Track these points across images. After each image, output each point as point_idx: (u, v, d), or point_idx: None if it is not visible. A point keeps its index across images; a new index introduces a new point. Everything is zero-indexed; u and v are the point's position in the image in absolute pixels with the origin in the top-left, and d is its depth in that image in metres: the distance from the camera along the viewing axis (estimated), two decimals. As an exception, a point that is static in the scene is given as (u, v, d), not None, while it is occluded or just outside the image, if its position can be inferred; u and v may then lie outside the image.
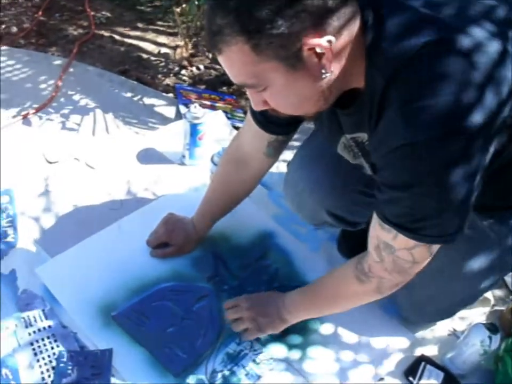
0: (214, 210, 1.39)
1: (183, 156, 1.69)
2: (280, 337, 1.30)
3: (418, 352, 1.35)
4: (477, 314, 1.45)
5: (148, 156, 1.72)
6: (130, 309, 1.29)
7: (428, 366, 1.31)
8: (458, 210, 0.89)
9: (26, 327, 1.24)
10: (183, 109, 1.88)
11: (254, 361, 1.26)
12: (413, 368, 1.31)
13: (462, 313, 1.41)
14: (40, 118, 1.82)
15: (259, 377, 1.23)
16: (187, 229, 1.41)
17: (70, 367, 1.17)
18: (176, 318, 1.30)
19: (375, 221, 0.98)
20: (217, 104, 2.00)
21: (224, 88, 2.16)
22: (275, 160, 1.30)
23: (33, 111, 1.82)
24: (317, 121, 1.14)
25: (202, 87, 2.15)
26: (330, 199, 1.31)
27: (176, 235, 1.40)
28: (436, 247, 0.96)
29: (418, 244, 0.93)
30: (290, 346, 1.30)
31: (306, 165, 1.34)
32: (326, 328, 1.35)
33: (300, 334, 1.32)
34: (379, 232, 0.97)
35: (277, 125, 1.17)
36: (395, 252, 0.97)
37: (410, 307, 1.35)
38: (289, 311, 1.21)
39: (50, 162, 1.65)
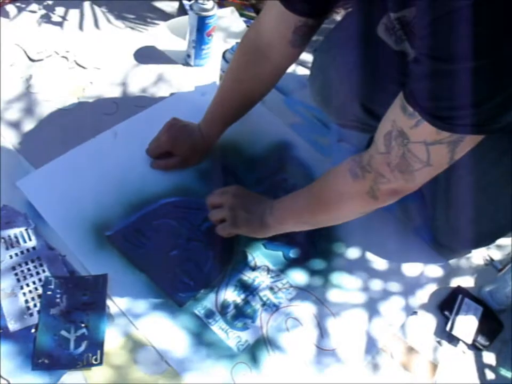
0: (224, 114, 1.20)
1: (188, 55, 1.48)
2: (301, 262, 1.15)
3: (453, 283, 1.20)
4: (512, 243, 1.30)
5: (147, 55, 1.50)
6: (127, 228, 1.12)
7: (466, 300, 1.17)
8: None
9: (7, 248, 1.07)
10: (186, 4, 1.64)
11: (271, 289, 1.10)
12: (448, 301, 1.17)
13: (499, 241, 1.25)
14: (19, 9, 1.56)
15: (277, 307, 1.08)
16: (193, 136, 1.22)
17: (58, 295, 1.01)
18: (181, 238, 1.13)
19: (397, 103, 0.81)
20: (224, 1, 1.76)
21: (233, -15, 1.90)
22: (299, 52, 1.11)
23: (10, -1, 1.57)
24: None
25: (208, -18, 1.89)
26: (366, 89, 1.12)
27: (180, 144, 1.21)
28: (460, 152, 0.79)
29: (440, 140, 0.77)
30: (312, 272, 1.14)
31: (340, 46, 1.13)
32: (352, 253, 1.19)
33: (322, 258, 1.17)
34: (397, 116, 0.80)
35: (308, 3, 0.97)
36: (408, 144, 0.80)
37: (448, 230, 1.18)
38: (273, 214, 1.06)
39: (33, 60, 1.42)
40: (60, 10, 1.58)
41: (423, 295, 1.17)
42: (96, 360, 0.95)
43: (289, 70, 1.18)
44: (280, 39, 1.06)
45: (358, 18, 1.06)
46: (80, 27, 1.55)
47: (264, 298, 1.08)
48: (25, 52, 1.43)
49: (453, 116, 0.73)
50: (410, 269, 1.20)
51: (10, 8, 1.55)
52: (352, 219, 1.03)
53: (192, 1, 1.40)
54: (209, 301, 1.06)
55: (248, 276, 1.11)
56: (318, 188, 1.01)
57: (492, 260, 1.27)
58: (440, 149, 0.78)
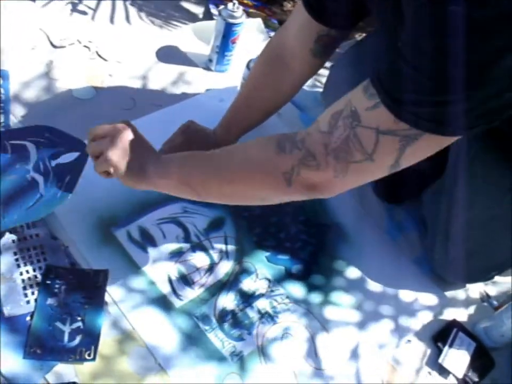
0: (241, 121, 1.20)
1: (210, 60, 1.48)
2: (302, 278, 1.15)
3: (448, 315, 1.20)
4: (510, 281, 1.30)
5: (170, 55, 1.50)
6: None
7: (460, 334, 1.16)
8: (487, 102, 0.66)
9: (10, 232, 1.05)
10: (213, 8, 1.64)
11: (270, 302, 1.09)
12: (443, 333, 1.17)
13: (497, 278, 1.26)
14: (46, -7, 1.56)
15: (274, 321, 1.07)
16: (208, 141, 1.21)
17: (57, 286, 1.00)
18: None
19: (360, 84, 0.74)
20: (249, 10, 1.76)
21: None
22: (319, 64, 1.11)
23: (39, -16, 1.56)
24: (381, 15, 0.93)
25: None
26: None
27: (195, 147, 1.17)
28: (409, 155, 0.72)
29: (395, 132, 0.70)
30: (312, 289, 1.14)
31: (356, 64, 1.14)
32: (351, 272, 1.19)
33: (323, 275, 1.17)
34: (356, 95, 0.73)
35: (334, 13, 0.97)
36: (358, 126, 0.72)
37: (445, 261, 1.18)
38: (157, 163, 0.93)
39: (55, 46, 1.41)
40: (88, 1, 1.58)
41: (417, 324, 1.17)
42: (89, 355, 0.93)
43: (308, 87, 1.18)
44: (301, 47, 1.06)
45: (378, 39, 1.06)
46: (105, 19, 1.55)
47: (263, 311, 1.07)
48: (48, 37, 1.42)
49: (418, 106, 0.67)
50: (407, 296, 1.20)
51: (38, -8, 1.55)
52: (250, 204, 0.95)
53: (221, 7, 1.40)
54: (208, 307, 1.05)
55: (249, 287, 1.10)
56: (232, 148, 0.90)
57: (488, 296, 1.27)
58: (391, 142, 0.71)
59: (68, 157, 1.05)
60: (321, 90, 1.53)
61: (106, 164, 0.92)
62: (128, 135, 0.94)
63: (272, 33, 1.67)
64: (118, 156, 0.91)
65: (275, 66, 1.11)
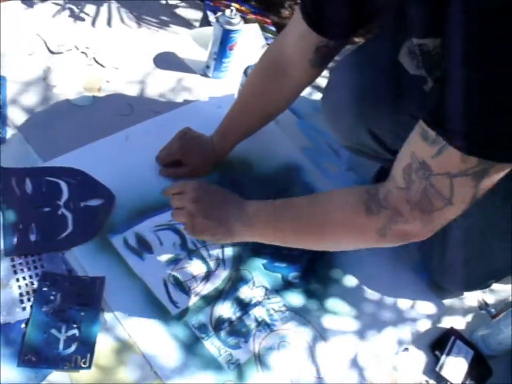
0: (238, 128, 1.20)
1: (207, 67, 1.48)
2: (299, 286, 1.14)
3: (446, 323, 1.20)
4: (508, 289, 1.30)
5: (167, 61, 1.50)
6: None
7: (457, 342, 1.16)
8: None
9: (7, 239, 1.05)
10: (210, 15, 1.65)
11: (266, 310, 1.09)
12: (440, 341, 1.17)
13: (494, 286, 1.26)
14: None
15: (271, 329, 1.07)
16: (205, 148, 1.21)
17: (53, 293, 0.99)
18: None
19: (416, 132, 0.75)
20: (247, 17, 1.76)
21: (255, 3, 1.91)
22: (318, 73, 1.11)
23: (37, -10, 1.56)
24: (381, 21, 0.94)
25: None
26: (374, 114, 1.12)
27: (191, 153, 1.21)
28: (483, 187, 0.72)
29: (466, 171, 0.70)
30: (309, 297, 1.14)
31: (356, 68, 1.13)
32: (349, 280, 1.19)
33: (320, 283, 1.16)
34: (417, 146, 0.74)
35: (332, 24, 0.97)
36: (431, 176, 0.73)
37: (442, 269, 1.18)
38: (243, 221, 0.96)
39: (52, 52, 1.41)
40: (84, 6, 1.58)
41: (415, 332, 1.16)
42: (85, 363, 0.92)
43: (306, 94, 1.18)
44: (300, 57, 1.06)
45: (379, 44, 1.06)
46: (103, 26, 1.55)
47: (259, 319, 1.07)
48: (45, 43, 1.42)
49: (483, 136, 0.67)
50: (405, 304, 1.20)
51: (35, -3, 1.55)
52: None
53: (219, 14, 1.40)
54: (204, 315, 1.04)
55: (246, 295, 1.09)
56: (320, 212, 0.91)
57: (486, 304, 1.27)
58: (465, 182, 0.72)
59: (95, 202, 1.14)
60: (319, 97, 1.54)
61: (192, 235, 1.00)
62: (203, 204, 0.98)
63: (269, 40, 1.68)
64: (200, 229, 0.98)
65: (273, 73, 1.11)
